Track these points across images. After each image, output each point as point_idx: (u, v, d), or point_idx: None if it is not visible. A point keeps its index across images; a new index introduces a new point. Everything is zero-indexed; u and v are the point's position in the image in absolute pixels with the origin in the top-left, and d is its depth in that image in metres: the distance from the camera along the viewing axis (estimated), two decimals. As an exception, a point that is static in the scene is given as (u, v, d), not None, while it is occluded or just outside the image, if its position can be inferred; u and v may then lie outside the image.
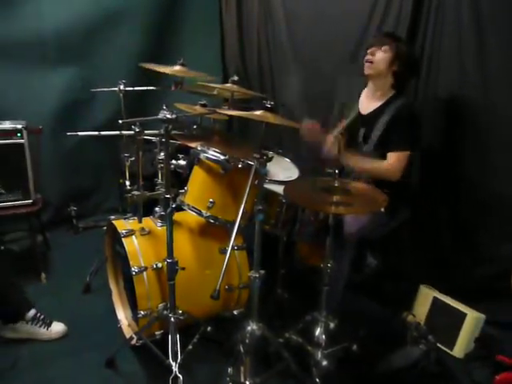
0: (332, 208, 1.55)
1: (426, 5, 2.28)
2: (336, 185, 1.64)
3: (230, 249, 1.51)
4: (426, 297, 2.23)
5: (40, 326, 2.09)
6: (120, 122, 1.57)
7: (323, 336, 1.79)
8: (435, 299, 2.19)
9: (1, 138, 2.38)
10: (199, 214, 1.87)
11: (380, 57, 2.04)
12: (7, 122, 2.47)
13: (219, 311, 2.09)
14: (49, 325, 2.10)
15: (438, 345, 2.03)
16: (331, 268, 1.79)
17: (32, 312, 2.09)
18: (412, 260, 2.39)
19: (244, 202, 1.53)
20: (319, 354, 1.77)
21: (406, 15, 2.34)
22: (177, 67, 2.06)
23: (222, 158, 1.81)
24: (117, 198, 3.40)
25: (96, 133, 2.19)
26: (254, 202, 1.65)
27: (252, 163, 1.58)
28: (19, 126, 2.43)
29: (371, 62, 2.06)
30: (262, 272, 1.66)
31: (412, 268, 2.39)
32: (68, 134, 2.19)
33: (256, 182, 1.58)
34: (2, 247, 2.73)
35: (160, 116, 1.51)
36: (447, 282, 2.27)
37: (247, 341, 1.72)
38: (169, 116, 1.50)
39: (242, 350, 1.74)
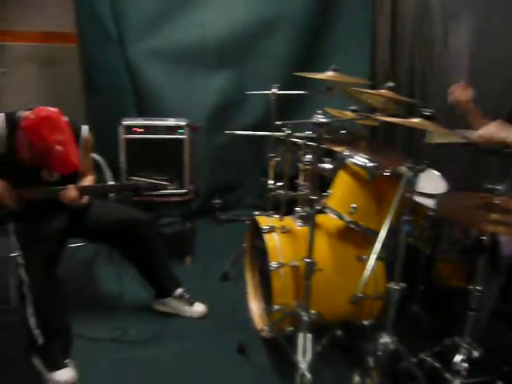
0: (490, 227, 1.43)
1: None
2: (496, 202, 1.51)
3: (373, 257, 1.49)
4: None
5: (185, 304, 2.31)
6: (277, 123, 1.66)
7: (464, 364, 1.65)
8: None
9: (166, 133, 2.70)
10: (340, 218, 1.87)
11: None
12: (171, 119, 2.78)
13: (349, 318, 2.07)
14: (192, 304, 2.32)
15: None
16: (479, 292, 1.65)
17: (179, 290, 2.32)
18: None
19: (392, 211, 1.50)
20: (458, 383, 1.65)
21: None
22: (330, 73, 2.11)
23: (370, 164, 1.79)
24: (257, 195, 3.58)
25: (250, 132, 2.34)
26: (400, 212, 1.60)
27: (403, 172, 1.53)
28: (182, 123, 2.71)
29: None
30: (403, 285, 1.60)
31: None
32: (226, 132, 2.37)
33: (406, 193, 1.54)
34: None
35: (314, 119, 1.56)
36: None
37: (378, 353, 1.68)
38: (322, 120, 1.54)
39: (372, 362, 1.71)
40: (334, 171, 1.92)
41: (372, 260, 1.52)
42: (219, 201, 3.47)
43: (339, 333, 1.95)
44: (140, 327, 2.21)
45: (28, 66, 3.91)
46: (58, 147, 1.81)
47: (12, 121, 1.91)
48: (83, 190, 2.02)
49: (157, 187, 2.07)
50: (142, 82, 3.19)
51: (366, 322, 2.07)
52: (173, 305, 2.32)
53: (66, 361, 1.86)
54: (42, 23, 3.87)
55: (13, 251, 1.94)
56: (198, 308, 2.32)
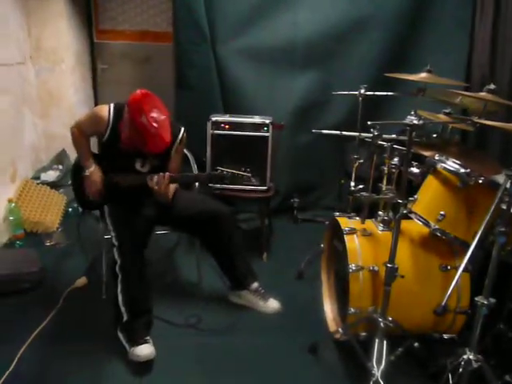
0: None
1: None
2: None
3: (461, 269, 1.42)
4: None
5: (260, 299, 2.35)
6: (369, 123, 1.63)
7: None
8: None
9: (251, 130, 2.76)
10: (426, 224, 1.80)
11: None
12: (257, 117, 2.83)
13: (428, 330, 1.98)
14: (266, 299, 2.35)
15: None
16: None
17: (255, 284, 2.37)
18: None
19: (486, 221, 1.41)
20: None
21: None
22: (423, 74, 2.03)
23: (463, 170, 1.70)
24: (335, 197, 3.54)
25: (337, 132, 2.32)
26: (493, 222, 1.50)
27: (500, 181, 1.44)
28: (267, 121, 2.76)
29: None
30: (492, 300, 1.51)
31: None
32: (313, 130, 2.37)
33: (502, 203, 1.44)
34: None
35: (406, 121, 1.51)
36: None
37: (460, 370, 1.59)
38: (416, 122, 1.49)
39: (451, 379, 1.62)
40: (422, 176, 1.85)
41: (459, 271, 1.44)
42: (297, 200, 3.47)
43: (416, 344, 1.87)
44: (215, 316, 2.29)
45: (125, 63, 4.21)
46: (155, 124, 1.93)
47: (119, 109, 2.08)
48: (173, 179, 2.13)
49: (242, 178, 2.13)
50: (230, 80, 3.28)
51: (446, 336, 1.97)
52: (248, 298, 2.36)
53: (147, 338, 1.98)
54: (140, 23, 4.14)
55: (107, 233, 2.11)
56: (273, 304, 2.35)
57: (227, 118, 2.82)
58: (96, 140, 2.30)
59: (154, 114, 1.93)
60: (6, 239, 2.98)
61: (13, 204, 3.00)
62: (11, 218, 2.97)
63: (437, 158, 1.80)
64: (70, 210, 3.43)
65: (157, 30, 4.12)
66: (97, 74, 4.24)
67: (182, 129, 2.23)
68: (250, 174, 2.13)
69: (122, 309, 1.97)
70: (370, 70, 3.20)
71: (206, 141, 2.78)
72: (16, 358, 1.93)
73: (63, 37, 3.64)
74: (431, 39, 3.22)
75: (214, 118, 2.77)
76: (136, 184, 2.14)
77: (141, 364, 1.92)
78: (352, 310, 1.89)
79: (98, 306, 2.29)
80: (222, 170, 2.14)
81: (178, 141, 2.21)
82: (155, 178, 2.07)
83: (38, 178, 3.53)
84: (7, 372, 1.85)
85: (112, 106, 2.11)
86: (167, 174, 2.09)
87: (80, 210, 2.70)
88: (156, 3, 4.07)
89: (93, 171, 2.16)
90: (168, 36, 3.78)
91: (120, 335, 2.00)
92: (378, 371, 1.73)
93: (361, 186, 2.30)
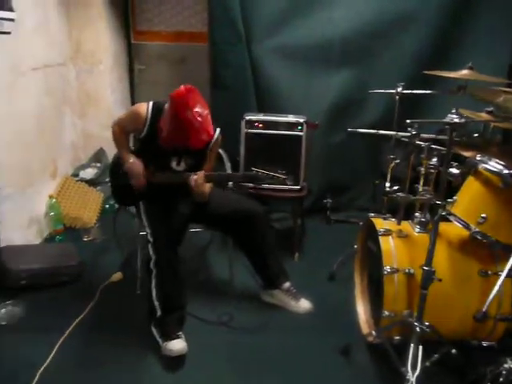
0: None
1: None
2: None
3: (504, 273, 1.37)
4: None
5: (291, 299, 2.34)
6: (407, 121, 1.59)
7: None
8: None
9: (285, 129, 2.75)
10: (466, 227, 1.74)
11: None
12: (291, 116, 2.82)
13: (467, 337, 1.92)
14: (298, 299, 2.34)
15: None
16: None
17: (287, 284, 2.36)
18: None
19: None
20: None
21: None
22: (464, 71, 1.97)
23: (506, 171, 1.63)
24: (369, 198, 3.49)
25: (374, 131, 2.28)
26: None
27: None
28: (301, 120, 2.74)
29: None
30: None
31: None
32: (348, 129, 2.34)
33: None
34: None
35: (447, 119, 1.46)
36: None
37: (501, 379, 1.53)
38: (457, 120, 1.44)
39: (490, 388, 1.57)
40: (461, 177, 1.79)
41: (503, 276, 1.38)
42: (330, 200, 3.44)
43: (453, 351, 1.81)
44: (247, 315, 2.29)
45: (161, 63, 4.28)
46: (199, 118, 1.96)
47: (158, 107, 2.13)
48: (209, 177, 2.16)
49: (277, 181, 2.13)
50: (265, 79, 3.27)
51: (485, 344, 1.90)
52: (280, 297, 2.36)
53: (179, 333, 2.00)
54: (176, 24, 4.20)
55: (143, 230, 2.15)
56: (304, 304, 2.33)
57: (261, 116, 2.82)
58: (133, 140, 2.36)
59: (198, 109, 1.96)
60: (46, 234, 3.09)
61: (53, 200, 3.11)
62: (52, 213, 3.08)
63: (478, 158, 1.74)
64: (107, 206, 3.52)
65: (192, 31, 4.17)
66: (134, 74, 4.33)
67: (218, 129, 2.25)
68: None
69: (156, 304, 2.01)
70: (408, 67, 3.13)
71: (239, 140, 2.79)
72: (56, 347, 2.00)
73: (102, 39, 3.74)
74: (474, 36, 3.11)
75: (247, 117, 2.78)
76: (174, 181, 2.17)
77: (173, 359, 1.95)
78: (386, 312, 1.85)
79: (133, 301, 2.34)
80: (257, 171, 2.14)
81: (214, 140, 2.23)
82: (195, 176, 2.10)
83: (77, 175, 3.64)
84: (48, 360, 1.93)
85: (151, 103, 2.15)
86: (203, 172, 2.12)
87: (116, 206, 2.76)
88: (191, 4, 4.12)
89: (134, 161, 2.20)
90: (203, 36, 3.83)
91: (153, 330, 2.04)
92: (412, 377, 1.69)
93: (396, 187, 2.25)
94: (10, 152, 2.67)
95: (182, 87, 1.99)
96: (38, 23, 3.01)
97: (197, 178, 2.10)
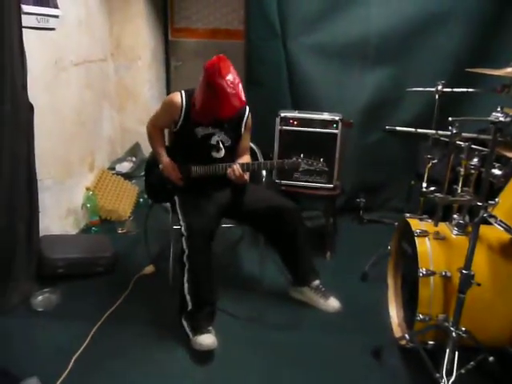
0: None
1: None
2: None
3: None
4: None
5: (320, 297, 2.32)
6: (450, 118, 1.54)
7: None
8: None
9: (320, 127, 2.73)
10: (508, 230, 1.67)
11: None
12: (326, 113, 2.79)
13: (505, 344, 1.85)
14: (327, 298, 2.32)
15: None
16: None
17: (317, 282, 2.34)
18: None
19: None
20: None
21: None
22: (509, 69, 1.90)
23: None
24: (404, 198, 3.40)
25: (412, 129, 2.22)
26: None
27: None
28: (336, 118, 2.71)
29: None
30: None
31: None
32: (386, 127, 2.29)
33: None
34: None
35: (491, 118, 1.41)
36: None
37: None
38: (502, 119, 1.38)
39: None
40: (504, 178, 1.72)
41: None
42: (364, 200, 3.38)
43: (491, 358, 1.75)
44: (276, 312, 2.29)
45: (198, 60, 4.31)
46: (231, 84, 1.99)
47: (190, 93, 2.18)
48: (246, 167, 2.18)
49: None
50: (300, 76, 3.25)
51: (526, 352, 1.83)
52: (309, 295, 2.34)
53: (209, 328, 2.02)
54: (213, 21, 4.23)
55: (176, 224, 2.18)
56: (333, 303, 2.31)
57: (296, 114, 2.80)
58: (167, 134, 2.39)
59: (230, 77, 2.00)
60: (83, 225, 3.18)
61: (90, 192, 3.19)
62: (88, 205, 3.16)
63: (523, 159, 1.67)
64: (141, 200, 3.59)
65: (228, 28, 4.19)
66: (170, 70, 4.39)
67: (247, 107, 2.29)
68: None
69: (188, 298, 2.03)
70: (448, 65, 3.04)
71: (274, 137, 2.78)
72: (90, 335, 2.05)
73: (141, 35, 3.81)
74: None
75: (282, 114, 2.77)
76: (212, 174, 2.20)
77: (203, 353, 1.96)
78: (420, 316, 1.80)
79: (165, 294, 2.38)
80: (297, 158, 2.14)
81: (245, 119, 2.28)
82: (230, 169, 2.14)
83: (113, 168, 3.73)
84: (82, 347, 1.98)
85: (183, 91, 2.21)
86: (237, 164, 2.15)
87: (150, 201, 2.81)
88: (228, 2, 4.14)
89: (167, 161, 2.25)
90: (239, 33, 3.84)
91: (184, 323, 2.06)
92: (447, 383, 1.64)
93: (433, 188, 2.19)
94: (51, 143, 2.76)
95: (215, 56, 2.03)
96: (80, 20, 3.10)
97: (231, 170, 2.13)
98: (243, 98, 2.06)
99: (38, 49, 2.54)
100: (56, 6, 2.68)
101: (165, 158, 2.27)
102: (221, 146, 2.23)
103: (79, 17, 3.08)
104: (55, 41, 2.74)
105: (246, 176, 2.20)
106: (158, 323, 2.18)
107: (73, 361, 1.89)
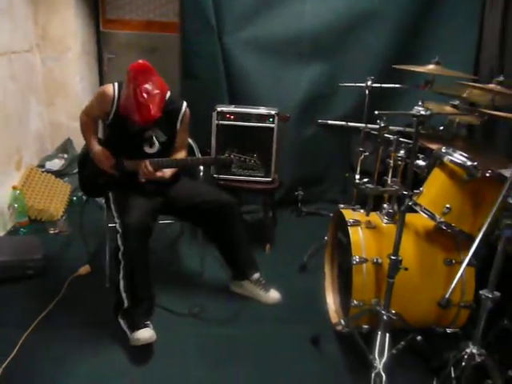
0: None
1: None
2: None
3: (465, 262, 1.41)
4: None
5: (260, 289, 2.35)
6: (376, 112, 1.62)
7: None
8: None
9: (256, 121, 2.74)
10: (432, 217, 1.78)
11: None
12: (262, 108, 2.82)
13: (431, 324, 1.98)
14: (267, 290, 2.35)
15: None
16: None
17: (257, 275, 2.37)
18: None
19: (492, 215, 1.40)
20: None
21: None
22: (431, 66, 2.02)
23: (470, 163, 1.68)
24: (340, 190, 3.53)
25: (343, 123, 2.30)
26: (499, 216, 1.49)
27: (507, 175, 1.42)
28: (272, 112, 2.74)
29: None
30: (497, 294, 1.50)
31: None
32: (319, 121, 2.35)
33: (509, 196, 1.42)
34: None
35: (413, 111, 1.49)
36: None
37: (462, 364, 1.58)
38: (423, 113, 1.47)
39: (453, 373, 1.62)
40: (428, 168, 1.83)
41: (464, 264, 1.43)
42: (302, 193, 3.46)
43: (419, 338, 1.86)
44: (217, 306, 2.29)
45: (131, 52, 4.18)
46: (145, 95, 1.95)
47: (123, 86, 2.11)
48: (157, 164, 2.13)
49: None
50: (236, 71, 3.25)
51: (449, 331, 1.96)
52: (249, 288, 2.37)
53: (147, 322, 1.98)
54: (147, 13, 4.12)
55: (111, 222, 2.11)
56: (274, 295, 2.35)
57: (232, 108, 2.80)
58: (101, 128, 2.31)
59: (147, 86, 1.96)
60: (10, 226, 3.00)
61: (17, 191, 3.01)
62: (16, 205, 2.98)
63: (444, 150, 1.78)
64: (75, 198, 3.43)
65: (163, 20, 4.10)
66: (103, 63, 4.22)
67: (184, 103, 2.26)
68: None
69: (124, 295, 1.98)
70: (377, 61, 3.18)
71: (210, 131, 2.76)
72: (19, 342, 1.94)
73: (70, 25, 3.62)
74: (440, 32, 3.18)
75: (219, 109, 2.76)
76: (136, 169, 2.14)
77: (142, 351, 1.92)
78: (355, 302, 1.88)
79: (101, 294, 2.29)
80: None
81: (181, 115, 2.24)
82: (142, 168, 2.10)
83: (43, 166, 3.53)
84: (11, 355, 1.87)
85: (116, 83, 2.15)
86: (147, 161, 2.10)
87: (84, 199, 2.70)
88: (164, -7, 4.05)
89: (99, 149, 2.19)
90: (174, 26, 3.76)
91: (121, 321, 2.01)
92: (379, 364, 1.72)
93: (366, 180, 2.28)
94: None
95: (140, 61, 1.99)
96: (0, 8, 2.89)
97: (141, 167, 2.10)
98: (153, 112, 1.97)
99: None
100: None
101: (96, 146, 2.20)
102: (154, 140, 2.19)
103: (-1, 4, 2.88)
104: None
105: (161, 173, 2.17)
106: (94, 324, 2.11)
107: (0, 370, 1.78)
